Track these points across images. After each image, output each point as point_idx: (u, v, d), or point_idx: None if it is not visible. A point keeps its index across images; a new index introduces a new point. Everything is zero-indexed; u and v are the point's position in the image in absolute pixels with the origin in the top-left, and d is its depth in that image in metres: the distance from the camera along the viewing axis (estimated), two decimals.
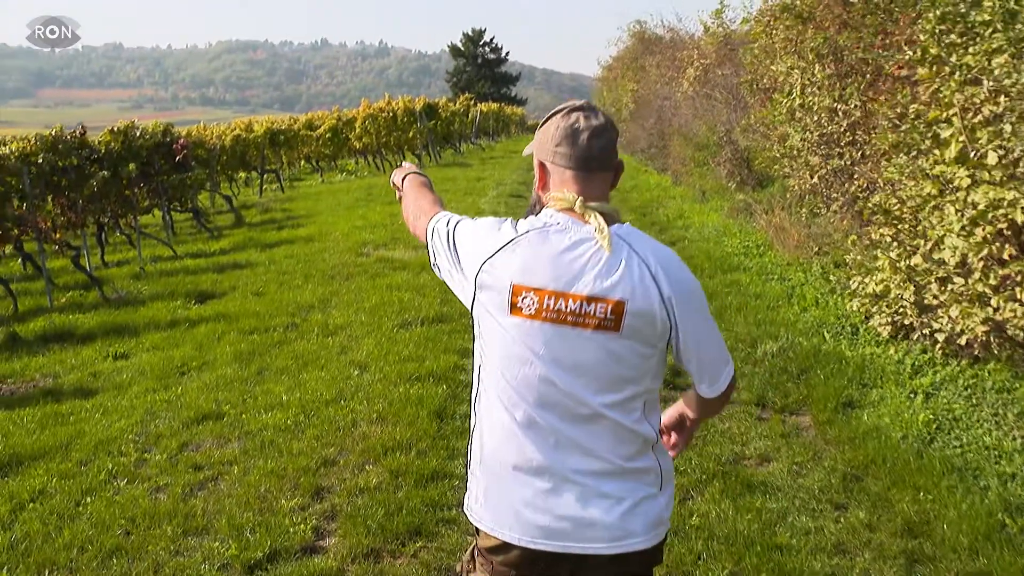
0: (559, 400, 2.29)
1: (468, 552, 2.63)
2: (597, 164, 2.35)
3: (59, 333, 10.81)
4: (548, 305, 2.25)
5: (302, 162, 36.58)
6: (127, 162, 16.04)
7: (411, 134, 31.62)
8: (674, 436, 2.76)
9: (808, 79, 11.06)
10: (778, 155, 12.55)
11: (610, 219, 2.33)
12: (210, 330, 10.05)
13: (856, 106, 10.21)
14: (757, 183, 17.02)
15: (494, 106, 56.09)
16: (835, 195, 11.14)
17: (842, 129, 10.58)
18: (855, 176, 10.41)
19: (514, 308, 2.28)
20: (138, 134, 16.38)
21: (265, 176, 29.30)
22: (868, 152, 9.98)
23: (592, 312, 2.23)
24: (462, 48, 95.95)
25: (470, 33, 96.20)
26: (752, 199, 15.20)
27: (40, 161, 13.98)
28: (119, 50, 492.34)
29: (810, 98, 11.04)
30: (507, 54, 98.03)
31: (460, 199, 19.84)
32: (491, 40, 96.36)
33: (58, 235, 13.44)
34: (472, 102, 46.45)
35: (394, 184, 3.08)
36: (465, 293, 2.45)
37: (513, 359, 2.31)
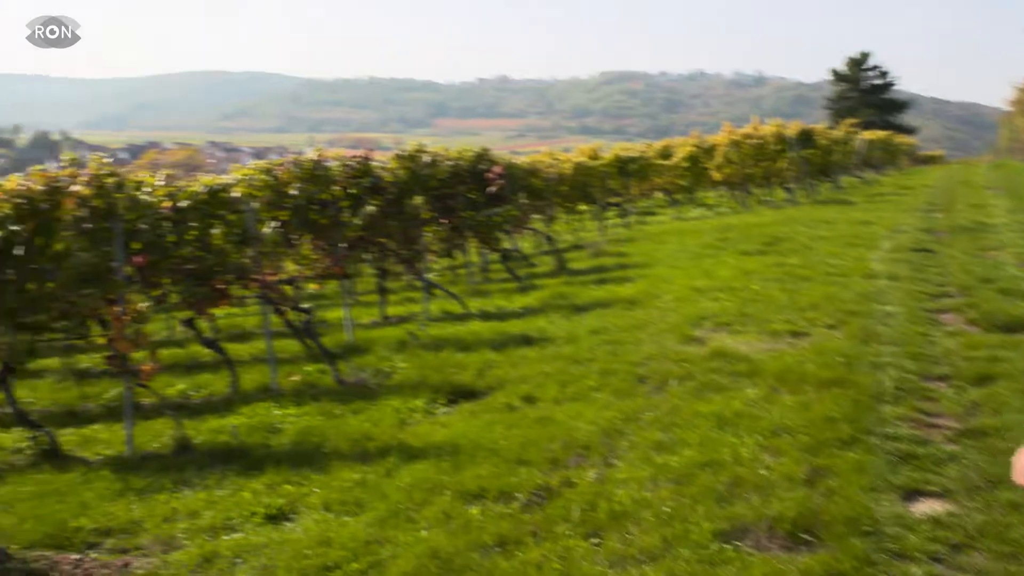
0: None
1: None
2: None
3: (237, 450, 7.45)
4: None
5: (656, 194, 32.63)
6: (414, 193, 12.78)
7: (781, 164, 26.62)
8: None
9: None
10: None
11: None
12: (420, 479, 6.16)
13: None
14: None
15: (881, 134, 49.13)
16: None
17: None
18: None
19: None
20: (428, 160, 13.04)
21: (609, 210, 25.62)
22: None
23: None
24: (846, 72, 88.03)
25: (856, 57, 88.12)
26: None
27: (294, 193, 10.97)
28: (508, 82, 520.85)
29: None
30: (894, 80, 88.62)
31: (841, 252, 14.79)
32: (877, 65, 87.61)
33: (287, 291, 10.26)
34: (856, 129, 40.21)
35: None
36: None
37: None
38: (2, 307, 7.55)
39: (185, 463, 7.15)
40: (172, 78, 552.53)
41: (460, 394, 8.50)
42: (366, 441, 7.30)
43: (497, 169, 15.51)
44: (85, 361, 11.51)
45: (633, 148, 30.54)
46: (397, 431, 7.53)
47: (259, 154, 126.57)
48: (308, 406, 8.57)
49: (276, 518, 5.90)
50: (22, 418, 7.96)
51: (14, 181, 7.63)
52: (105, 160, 8.08)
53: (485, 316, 12.37)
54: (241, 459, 7.14)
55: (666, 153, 30.21)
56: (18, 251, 7.40)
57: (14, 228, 7.39)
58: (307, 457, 7.01)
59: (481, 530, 5.25)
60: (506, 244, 17.49)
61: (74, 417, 9.28)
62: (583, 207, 25.36)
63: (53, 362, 11.79)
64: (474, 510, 5.56)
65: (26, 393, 10.31)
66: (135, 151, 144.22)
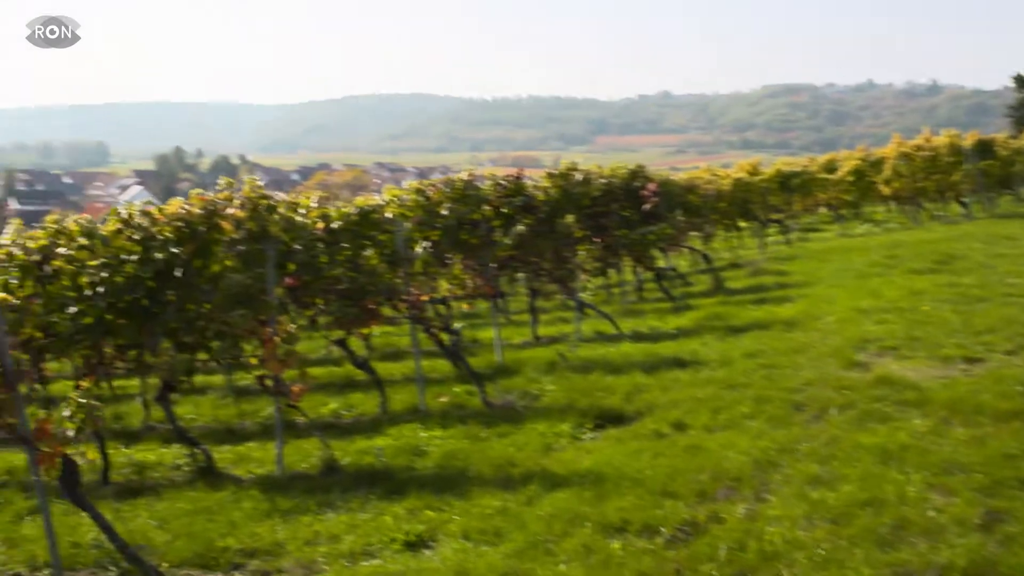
0: None
1: None
2: None
3: (382, 472, 7.45)
4: None
5: (820, 210, 31.47)
6: (566, 212, 12.64)
7: (956, 177, 25.18)
8: None
9: None
10: None
11: None
12: (561, 509, 5.97)
13: None
14: None
15: None
16: None
17: None
18: None
19: None
20: (580, 178, 12.88)
21: (770, 227, 24.85)
22: None
23: None
24: None
25: None
26: None
27: (445, 213, 11.01)
28: (669, 97, 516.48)
29: None
30: None
31: (1023, 271, 13.76)
32: None
33: (432, 312, 10.26)
34: None
35: None
36: None
37: None
38: (162, 327, 7.80)
39: (331, 484, 7.18)
40: (337, 103, 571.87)
41: (607, 419, 8.27)
42: (509, 467, 7.16)
43: (652, 186, 15.23)
44: (245, 379, 11.84)
45: (796, 163, 29.64)
46: (541, 457, 7.36)
47: (423, 173, 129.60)
48: (454, 428, 8.51)
49: (415, 545, 5.82)
50: (181, 435, 8.19)
51: (175, 205, 7.88)
52: (258, 183, 8.25)
53: (637, 337, 12.09)
54: (385, 482, 7.12)
55: (831, 167, 29.11)
56: (177, 273, 7.63)
57: (174, 250, 7.62)
58: (450, 482, 6.93)
59: (622, 566, 5.02)
60: (661, 263, 17.13)
61: (232, 434, 9.53)
62: (742, 224, 24.68)
63: (217, 379, 12.20)
64: (615, 544, 5.33)
65: (189, 409, 10.69)
66: (306, 172, 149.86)
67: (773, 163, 30.29)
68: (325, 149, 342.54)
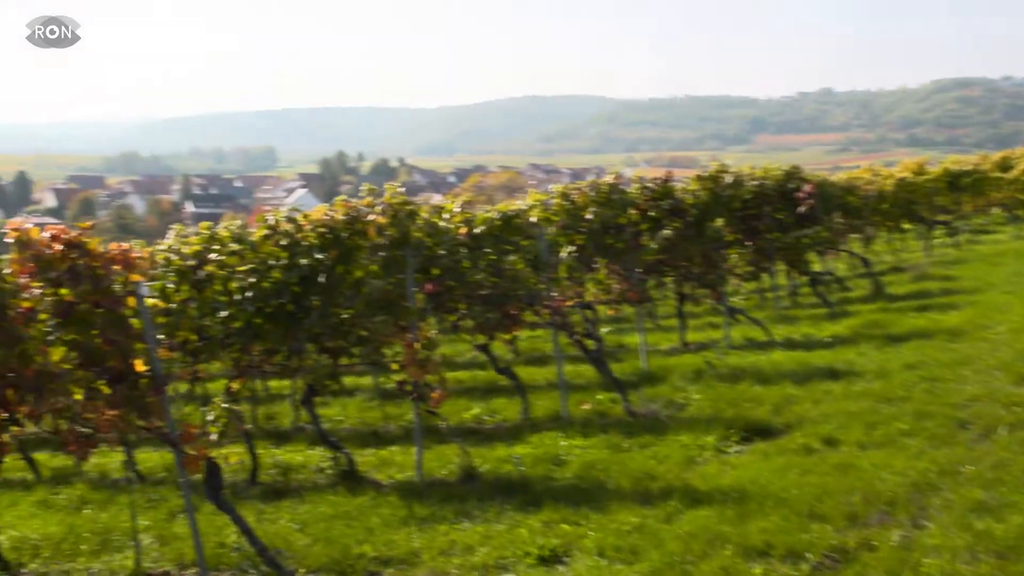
0: None
1: None
2: None
3: (519, 481, 7.35)
4: None
5: (993, 210, 29.72)
6: (715, 215, 12.29)
7: None
8: None
9: None
10: None
11: None
12: (701, 528, 5.72)
13: None
14: None
15: None
16: None
17: None
18: None
19: None
20: (730, 180, 12.49)
21: (936, 229, 23.61)
22: None
23: None
24: None
25: None
26: None
27: (590, 217, 10.86)
28: (830, 95, 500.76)
29: None
30: None
31: None
32: None
33: (575, 319, 10.08)
34: None
35: None
36: None
37: None
38: (307, 331, 7.93)
39: (468, 493, 7.12)
40: (494, 104, 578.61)
41: (754, 432, 7.94)
42: (649, 480, 6.95)
43: (808, 188, 14.66)
44: (392, 381, 11.98)
45: (966, 161, 28.02)
46: (683, 470, 7.11)
47: (577, 175, 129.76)
48: (595, 437, 8.34)
49: (549, 560, 5.68)
50: (324, 438, 8.30)
51: (320, 211, 8.00)
52: (399, 190, 8.28)
53: (789, 345, 11.64)
54: (522, 492, 7.01)
55: (1005, 165, 27.41)
56: (321, 278, 7.74)
57: (318, 256, 7.73)
58: (587, 494, 6.77)
59: None
60: (817, 267, 16.48)
61: (376, 437, 9.63)
62: (906, 226, 23.51)
63: (366, 380, 12.40)
64: (757, 570, 5.06)
65: (336, 411, 10.88)
66: (461, 175, 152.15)
67: (941, 161, 28.77)
68: (482, 151, 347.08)
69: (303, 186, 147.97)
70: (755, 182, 13.66)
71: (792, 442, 7.45)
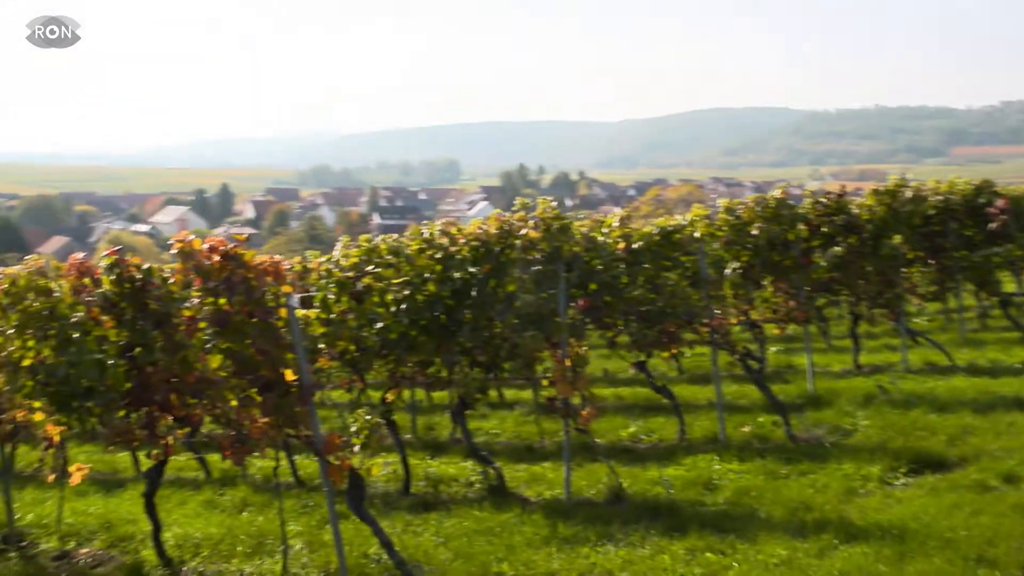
0: None
1: None
2: None
3: (667, 505, 7.13)
4: None
5: None
6: (893, 232, 11.66)
7: None
8: None
9: None
10: None
11: None
12: (855, 567, 5.37)
13: None
14: None
15: None
16: None
17: None
18: None
19: None
20: (909, 195, 11.82)
21: None
22: None
23: None
24: None
25: None
26: None
27: (755, 232, 10.49)
28: None
29: None
30: None
31: None
32: None
33: (735, 340, 9.70)
34: None
35: None
36: None
37: None
38: (459, 345, 7.97)
39: (613, 515, 6.96)
40: (678, 117, 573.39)
41: (925, 464, 7.44)
42: (804, 511, 6.59)
43: (1001, 203, 13.71)
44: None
45: None
46: (841, 502, 6.72)
47: (759, 188, 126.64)
48: (751, 462, 8.02)
49: None
50: (474, 452, 8.30)
51: (474, 225, 8.03)
52: (552, 204, 8.20)
53: (973, 371, 10.90)
54: (669, 516, 6.79)
55: None
56: (473, 292, 7.76)
57: (471, 270, 7.75)
58: (737, 522, 6.49)
59: None
60: (1010, 287, 15.40)
61: (530, 452, 9.57)
62: None
63: (526, 394, 12.37)
64: None
65: (494, 424, 10.90)
66: (641, 188, 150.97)
67: None
68: (665, 164, 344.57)
69: (484, 198, 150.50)
70: (939, 197, 12.88)
71: (966, 477, 6.93)
